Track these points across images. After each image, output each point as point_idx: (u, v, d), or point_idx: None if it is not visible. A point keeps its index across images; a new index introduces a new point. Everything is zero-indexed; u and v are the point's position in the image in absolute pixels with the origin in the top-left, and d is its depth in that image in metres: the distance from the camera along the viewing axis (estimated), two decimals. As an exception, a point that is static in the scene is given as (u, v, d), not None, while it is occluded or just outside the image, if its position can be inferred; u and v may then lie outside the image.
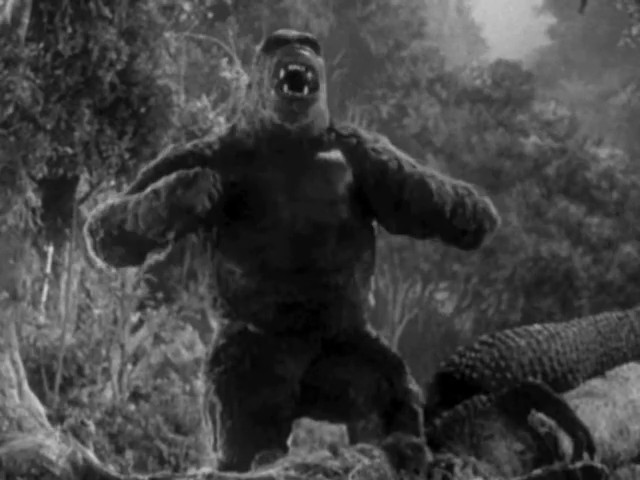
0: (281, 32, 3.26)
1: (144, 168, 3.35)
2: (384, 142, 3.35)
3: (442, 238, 3.31)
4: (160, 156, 3.33)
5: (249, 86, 3.29)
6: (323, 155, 3.23)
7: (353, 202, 3.20)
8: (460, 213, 3.18)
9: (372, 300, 3.36)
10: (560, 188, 21.12)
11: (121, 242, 3.08)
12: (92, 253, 3.20)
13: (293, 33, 3.23)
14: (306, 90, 3.08)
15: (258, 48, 3.29)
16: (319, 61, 3.18)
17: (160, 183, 2.97)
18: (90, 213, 3.22)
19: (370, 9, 22.95)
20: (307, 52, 3.12)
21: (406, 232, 3.34)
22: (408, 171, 3.20)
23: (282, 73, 3.08)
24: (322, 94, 3.16)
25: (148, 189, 3.00)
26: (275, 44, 3.17)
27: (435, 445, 3.07)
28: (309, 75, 3.09)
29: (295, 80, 3.08)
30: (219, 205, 3.05)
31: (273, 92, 3.08)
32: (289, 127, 3.13)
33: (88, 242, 3.18)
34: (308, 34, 3.24)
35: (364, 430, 3.13)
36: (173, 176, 2.97)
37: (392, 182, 3.18)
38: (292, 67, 3.08)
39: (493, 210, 3.27)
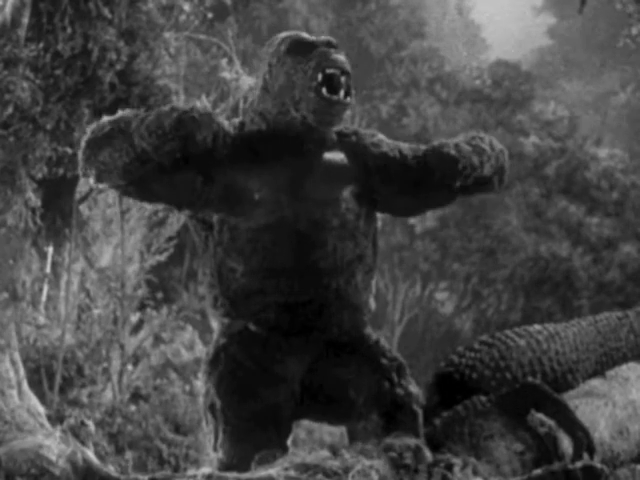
0: (301, 35, 3.25)
1: None
2: (380, 136, 3.40)
3: (470, 193, 3.39)
4: None
5: (264, 88, 3.26)
6: (327, 155, 3.24)
7: (356, 203, 3.22)
8: (485, 161, 3.25)
9: (373, 303, 3.36)
10: (560, 188, 21.08)
11: (118, 142, 3.02)
12: (84, 150, 3.11)
13: (314, 37, 3.24)
14: (342, 94, 3.10)
15: (272, 50, 3.26)
16: None
17: (180, 104, 3.02)
18: None
19: (370, 9, 22.91)
20: (342, 56, 3.14)
21: (427, 207, 3.50)
22: (412, 154, 3.29)
23: (320, 77, 3.08)
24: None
25: (168, 105, 3.06)
26: (302, 47, 3.17)
27: (435, 445, 3.07)
28: (343, 79, 3.10)
29: (331, 84, 3.09)
30: (216, 193, 3.09)
31: (312, 94, 3.08)
32: (322, 129, 3.16)
33: (85, 137, 3.11)
34: (331, 38, 3.26)
35: (364, 430, 3.14)
36: (193, 103, 3.04)
37: (398, 168, 3.25)
38: (329, 71, 3.09)
39: (499, 143, 3.37)
